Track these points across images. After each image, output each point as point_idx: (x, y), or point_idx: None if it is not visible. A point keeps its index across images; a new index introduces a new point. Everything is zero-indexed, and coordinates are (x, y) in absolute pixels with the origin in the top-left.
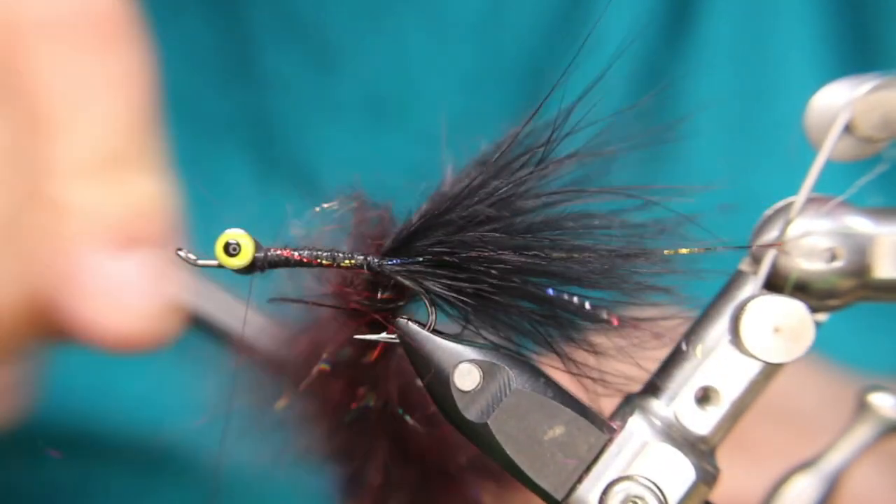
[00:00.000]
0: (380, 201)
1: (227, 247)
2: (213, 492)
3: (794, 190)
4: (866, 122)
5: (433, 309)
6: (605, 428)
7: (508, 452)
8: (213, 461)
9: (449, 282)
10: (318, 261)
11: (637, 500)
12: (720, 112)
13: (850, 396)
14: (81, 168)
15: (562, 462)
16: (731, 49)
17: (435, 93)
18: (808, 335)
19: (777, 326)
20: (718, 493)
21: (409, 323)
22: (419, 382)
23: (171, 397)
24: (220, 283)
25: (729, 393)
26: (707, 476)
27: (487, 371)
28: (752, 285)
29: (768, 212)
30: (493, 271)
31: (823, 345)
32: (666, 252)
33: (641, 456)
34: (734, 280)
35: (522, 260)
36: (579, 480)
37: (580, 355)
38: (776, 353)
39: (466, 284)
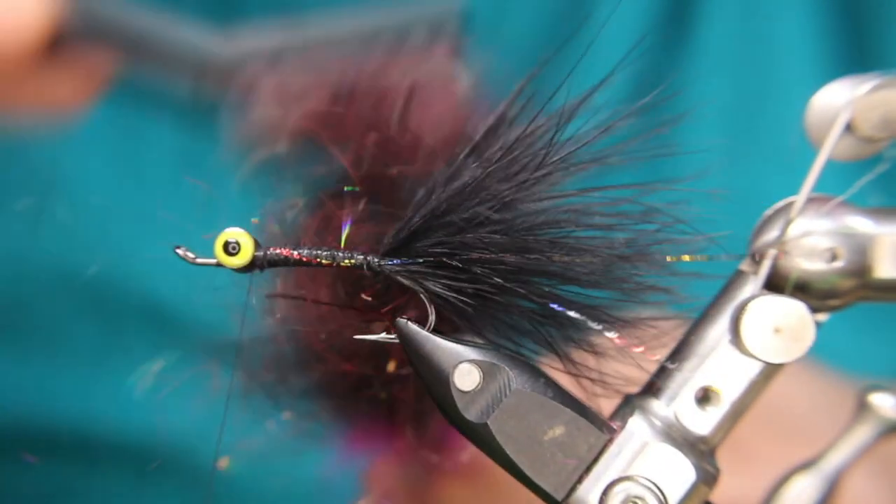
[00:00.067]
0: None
1: (226, 246)
2: (210, 489)
3: (794, 190)
4: (866, 121)
5: (433, 309)
6: (605, 428)
7: (508, 453)
8: (209, 458)
9: (449, 282)
10: (318, 260)
11: (637, 501)
12: (720, 112)
13: (849, 399)
14: None
15: (562, 462)
16: (730, 49)
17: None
18: (809, 335)
19: (777, 326)
20: (718, 494)
21: (409, 323)
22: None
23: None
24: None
25: (729, 393)
26: (707, 476)
27: (487, 371)
28: (752, 285)
29: (768, 212)
30: (493, 272)
31: (823, 345)
32: (668, 259)
33: (641, 456)
34: (734, 280)
35: (523, 260)
36: (579, 481)
37: (580, 356)
38: (776, 354)
39: (466, 285)
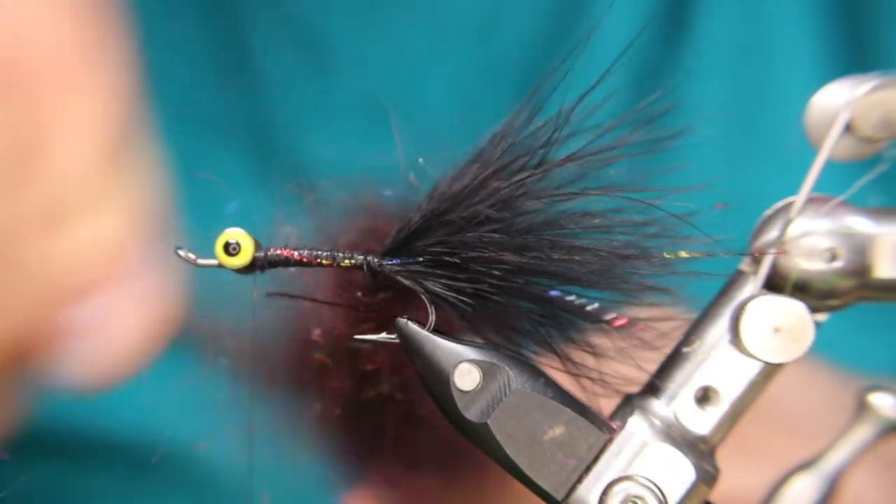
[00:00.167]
0: (379, 201)
1: (227, 246)
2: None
3: (794, 190)
4: (866, 121)
5: (433, 309)
6: (604, 428)
7: (508, 452)
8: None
9: (449, 282)
10: (318, 260)
11: (637, 500)
12: (719, 112)
13: (849, 397)
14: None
15: (562, 462)
16: (729, 50)
17: (434, 93)
18: (808, 335)
19: (777, 326)
20: (718, 493)
21: (409, 323)
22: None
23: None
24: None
25: (729, 393)
26: (707, 476)
27: (487, 371)
28: (752, 285)
29: (768, 212)
30: (493, 271)
31: (823, 345)
32: (666, 255)
33: (641, 456)
34: (734, 280)
35: (523, 260)
36: (579, 480)
37: (580, 356)
38: (776, 353)
39: (466, 284)
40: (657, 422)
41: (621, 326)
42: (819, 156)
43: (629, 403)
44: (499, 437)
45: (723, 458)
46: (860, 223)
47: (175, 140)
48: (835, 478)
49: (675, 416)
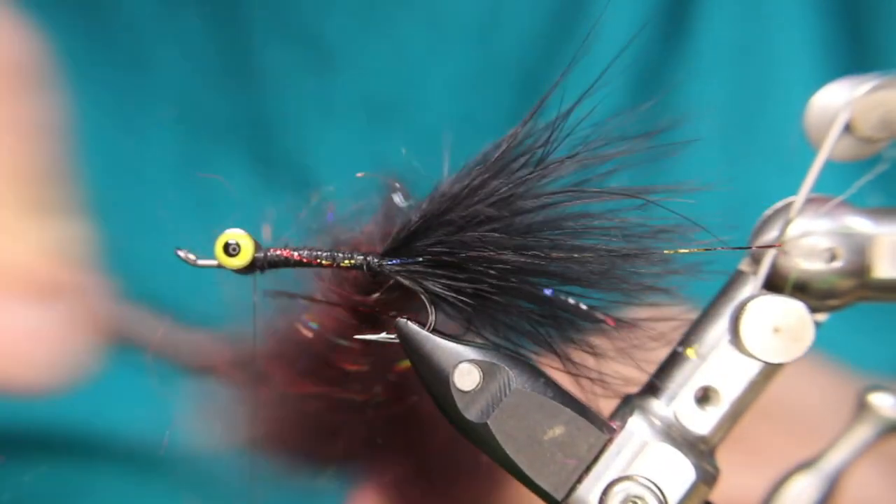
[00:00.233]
0: (378, 201)
1: (226, 247)
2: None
3: (794, 190)
4: (866, 121)
5: (433, 309)
6: (604, 428)
7: (508, 452)
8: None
9: (449, 282)
10: (318, 261)
11: (637, 500)
12: (719, 112)
13: (850, 397)
14: None
15: (562, 462)
16: (729, 50)
17: (433, 93)
18: (808, 335)
19: (777, 326)
20: (718, 493)
21: (409, 323)
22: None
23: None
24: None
25: (729, 393)
26: (707, 476)
27: (487, 371)
28: (751, 285)
29: (768, 212)
30: (492, 271)
31: (823, 345)
32: (666, 252)
33: (641, 456)
34: (734, 280)
35: (522, 260)
36: (579, 480)
37: (579, 356)
38: (776, 353)
39: (466, 284)
40: (657, 422)
41: (618, 327)
42: (819, 156)
43: (629, 403)
44: (499, 437)
45: (723, 458)
46: (860, 223)
47: (175, 140)
48: (835, 477)
49: (675, 416)
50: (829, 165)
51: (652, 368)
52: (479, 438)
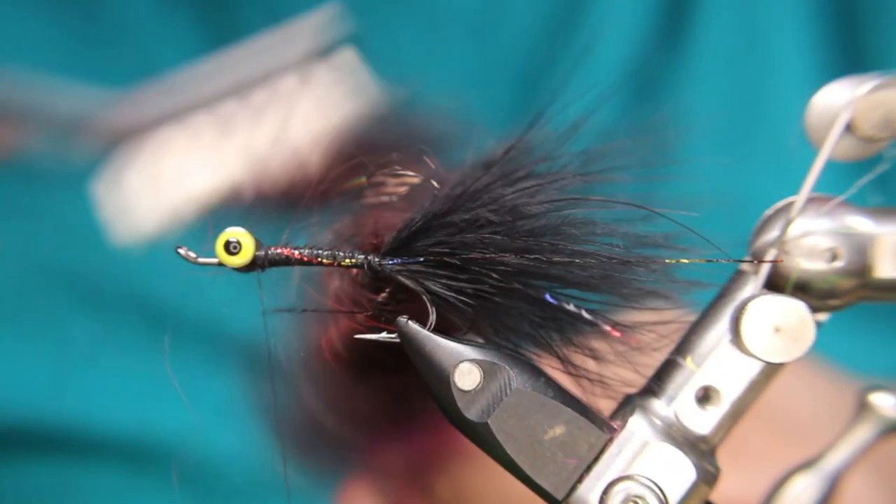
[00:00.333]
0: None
1: (227, 245)
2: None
3: (794, 190)
4: (867, 121)
5: (433, 309)
6: (605, 427)
7: (509, 452)
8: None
9: (449, 282)
10: (319, 259)
11: (638, 500)
12: (719, 113)
13: (846, 400)
14: None
15: (562, 462)
16: (729, 51)
17: (432, 93)
18: (809, 335)
19: (778, 326)
20: (718, 493)
21: (410, 322)
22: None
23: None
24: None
25: (729, 393)
26: (707, 476)
27: (488, 370)
28: (752, 285)
29: (769, 211)
30: (493, 272)
31: (823, 345)
32: (667, 261)
33: (642, 456)
34: (734, 280)
35: (523, 262)
36: (580, 480)
37: (580, 357)
38: (777, 353)
39: (467, 285)
40: (658, 421)
41: (619, 332)
42: (819, 156)
43: (630, 403)
44: (499, 437)
45: (723, 458)
46: (861, 223)
47: None
48: (835, 478)
49: (676, 416)
50: (830, 165)
51: (651, 370)
52: (479, 438)
